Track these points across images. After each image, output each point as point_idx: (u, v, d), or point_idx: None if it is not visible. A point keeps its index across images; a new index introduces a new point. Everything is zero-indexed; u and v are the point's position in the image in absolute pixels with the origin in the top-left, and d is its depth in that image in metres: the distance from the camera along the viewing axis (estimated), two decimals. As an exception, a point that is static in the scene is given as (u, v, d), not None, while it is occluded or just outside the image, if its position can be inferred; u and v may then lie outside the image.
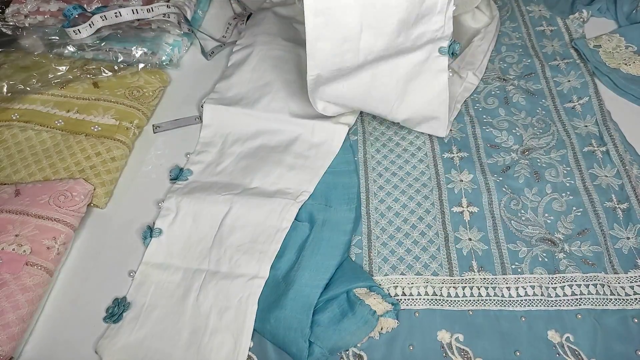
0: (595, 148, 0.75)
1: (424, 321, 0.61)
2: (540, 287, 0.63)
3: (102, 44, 0.88)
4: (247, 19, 0.98)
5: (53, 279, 0.66)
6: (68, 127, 0.81)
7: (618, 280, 0.62)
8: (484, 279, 0.64)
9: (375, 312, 0.60)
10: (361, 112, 0.83)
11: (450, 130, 0.79)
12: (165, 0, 0.91)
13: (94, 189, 0.73)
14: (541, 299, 0.62)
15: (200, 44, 0.95)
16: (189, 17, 0.93)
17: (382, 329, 0.61)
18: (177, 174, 0.76)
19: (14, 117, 0.82)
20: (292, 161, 0.76)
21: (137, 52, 0.88)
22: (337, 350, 0.59)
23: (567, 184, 0.72)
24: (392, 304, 0.62)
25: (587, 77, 0.83)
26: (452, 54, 0.67)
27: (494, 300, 0.62)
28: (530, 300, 0.62)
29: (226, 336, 0.60)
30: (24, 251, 0.64)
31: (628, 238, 0.66)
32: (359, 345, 0.60)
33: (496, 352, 0.58)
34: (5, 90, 0.83)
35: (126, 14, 0.87)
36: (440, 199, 0.72)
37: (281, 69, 0.85)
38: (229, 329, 0.61)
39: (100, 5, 0.92)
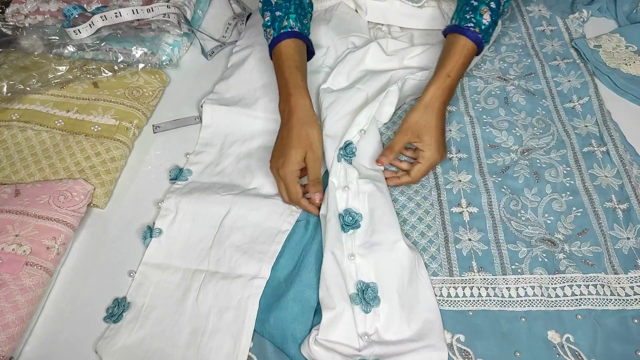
0: (595, 148, 0.75)
1: (423, 321, 0.61)
2: (540, 287, 0.62)
3: (102, 44, 0.88)
4: (247, 19, 0.98)
5: (53, 279, 0.66)
6: (68, 127, 0.81)
7: (618, 281, 0.62)
8: (484, 279, 0.64)
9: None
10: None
11: (450, 130, 0.79)
12: (165, 0, 0.91)
13: (94, 189, 0.73)
14: (541, 299, 0.62)
15: (200, 44, 0.95)
16: (188, 17, 0.93)
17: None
18: (177, 174, 0.76)
19: (13, 117, 0.82)
20: (291, 161, 0.76)
21: (137, 52, 0.88)
22: None
23: (567, 184, 0.71)
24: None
25: (587, 77, 0.83)
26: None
27: (494, 300, 0.62)
28: (530, 300, 0.62)
29: (226, 336, 0.60)
30: (24, 251, 0.64)
31: (628, 238, 0.66)
32: (358, 345, 0.60)
33: (496, 352, 0.58)
34: (5, 90, 0.83)
35: (126, 14, 0.87)
36: (439, 200, 0.72)
37: (281, 69, 0.85)
38: (228, 329, 0.61)
39: (100, 5, 0.92)
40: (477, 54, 0.74)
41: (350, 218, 0.65)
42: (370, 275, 0.62)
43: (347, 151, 0.70)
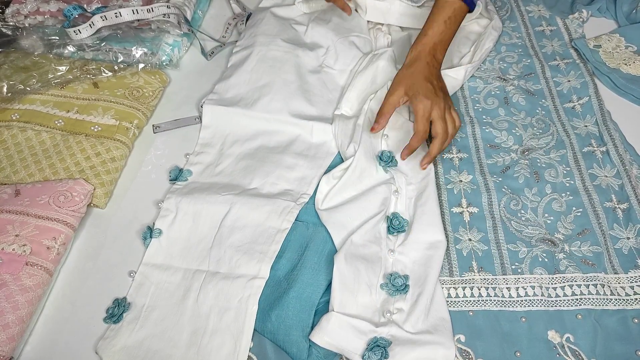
0: (595, 148, 0.75)
1: (424, 321, 0.61)
2: (541, 287, 0.63)
3: (102, 44, 0.88)
4: (247, 20, 0.98)
5: (53, 279, 0.66)
6: (68, 128, 0.81)
7: (618, 281, 0.62)
8: (484, 279, 0.64)
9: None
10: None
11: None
12: (165, 0, 0.91)
13: (94, 189, 0.73)
14: (541, 299, 0.62)
15: (200, 44, 0.95)
16: (188, 17, 0.93)
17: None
18: (177, 175, 0.76)
19: (13, 118, 0.82)
20: (291, 161, 0.76)
21: (137, 52, 0.88)
22: (332, 355, 0.59)
23: (567, 184, 0.72)
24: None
25: (587, 77, 0.83)
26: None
27: (494, 300, 0.62)
28: (530, 300, 0.62)
29: (226, 337, 0.60)
30: (24, 251, 0.64)
31: (628, 238, 0.66)
32: (359, 345, 0.60)
33: (497, 352, 0.58)
34: (5, 90, 0.83)
35: (126, 14, 0.87)
36: (440, 200, 0.71)
37: (280, 70, 0.85)
38: (229, 329, 0.61)
39: (100, 5, 0.92)
40: (470, 10, 0.76)
41: (397, 222, 0.67)
42: (405, 269, 0.64)
43: (384, 159, 0.72)
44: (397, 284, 0.61)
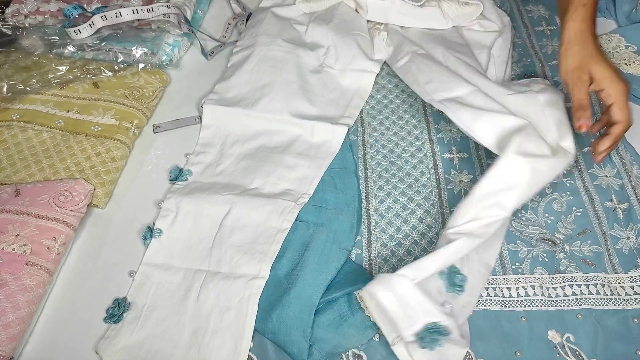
0: (596, 148, 0.75)
1: (424, 321, 0.61)
2: (541, 287, 0.63)
3: (102, 44, 0.88)
4: (247, 20, 0.98)
5: (53, 279, 0.66)
6: (68, 127, 0.81)
7: (618, 280, 0.62)
8: (485, 279, 0.64)
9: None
10: (361, 113, 0.83)
11: (450, 130, 0.79)
12: (165, 0, 0.91)
13: (94, 189, 0.73)
14: (542, 299, 0.62)
15: (200, 44, 0.95)
16: (189, 17, 0.93)
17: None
18: (177, 175, 0.76)
19: (13, 117, 0.82)
20: (292, 162, 0.76)
21: (137, 52, 0.88)
22: (335, 354, 0.59)
23: (567, 184, 0.72)
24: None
25: (587, 77, 0.83)
26: None
27: (495, 300, 0.62)
28: (530, 300, 0.62)
29: (227, 337, 0.60)
30: (24, 251, 0.64)
31: (628, 238, 0.66)
32: (359, 345, 0.60)
33: (497, 352, 0.59)
34: (5, 90, 0.83)
35: (126, 14, 0.87)
36: (440, 200, 0.72)
37: (281, 70, 0.85)
38: (229, 329, 0.61)
39: (100, 5, 0.92)
40: None
41: None
42: (462, 267, 0.60)
43: None
44: (455, 281, 0.59)
